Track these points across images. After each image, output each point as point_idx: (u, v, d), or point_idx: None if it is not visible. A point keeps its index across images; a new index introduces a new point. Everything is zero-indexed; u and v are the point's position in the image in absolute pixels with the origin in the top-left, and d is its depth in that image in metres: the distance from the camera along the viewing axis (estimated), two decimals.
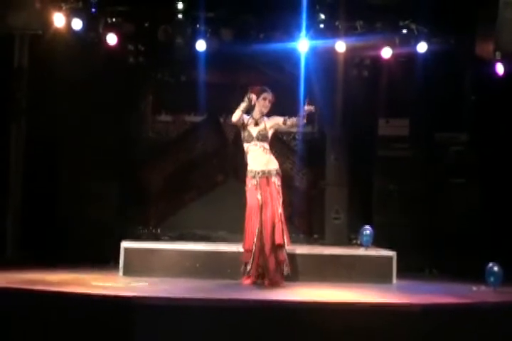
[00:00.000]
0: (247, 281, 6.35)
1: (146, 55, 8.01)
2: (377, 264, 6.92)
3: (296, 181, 8.44)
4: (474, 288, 6.59)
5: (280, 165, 8.22)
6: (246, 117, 6.43)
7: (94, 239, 7.51)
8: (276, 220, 6.31)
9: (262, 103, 6.42)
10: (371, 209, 8.20)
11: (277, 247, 6.30)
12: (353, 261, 6.94)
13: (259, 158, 6.41)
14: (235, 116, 6.35)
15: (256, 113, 6.44)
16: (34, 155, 7.62)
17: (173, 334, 5.14)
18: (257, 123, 6.44)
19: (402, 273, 7.00)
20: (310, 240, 8.13)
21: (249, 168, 6.44)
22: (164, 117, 8.43)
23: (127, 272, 6.67)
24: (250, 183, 6.39)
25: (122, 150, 7.98)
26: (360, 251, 7.23)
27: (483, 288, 6.56)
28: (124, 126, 8.05)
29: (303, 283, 6.56)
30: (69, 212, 7.67)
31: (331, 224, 7.92)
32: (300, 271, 6.78)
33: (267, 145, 6.44)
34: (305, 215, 8.44)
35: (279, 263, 6.35)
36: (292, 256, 6.80)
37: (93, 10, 7.45)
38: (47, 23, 7.22)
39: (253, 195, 6.35)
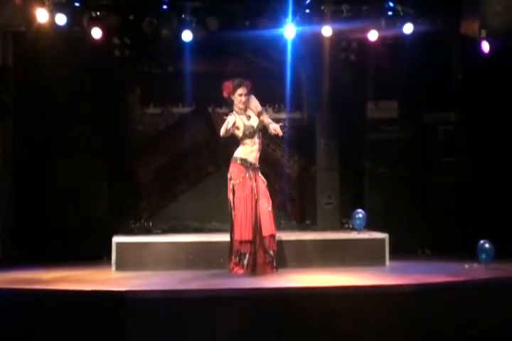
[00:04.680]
0: (239, 271, 6.36)
1: (132, 48, 7.94)
2: (370, 247, 6.98)
3: (287, 168, 8.45)
4: (466, 266, 6.68)
5: (271, 152, 8.42)
6: (233, 118, 6.37)
7: (87, 234, 7.51)
8: (269, 211, 6.37)
9: (238, 99, 6.42)
10: (363, 192, 8.22)
11: (271, 238, 6.34)
12: (346, 245, 7.00)
13: (256, 153, 6.45)
14: (222, 133, 6.32)
15: (236, 109, 6.45)
16: (23, 152, 7.59)
17: (169, 326, 5.19)
18: (249, 117, 6.46)
19: (395, 255, 7.05)
20: (302, 226, 8.14)
21: (241, 155, 6.42)
22: (153, 109, 8.39)
23: (120, 267, 6.70)
24: (242, 172, 6.37)
25: (112, 144, 7.95)
26: (353, 235, 7.28)
27: (475, 265, 6.65)
28: (112, 120, 8.01)
29: (297, 270, 6.61)
30: (60, 209, 7.65)
31: (323, 210, 7.91)
32: (294, 257, 6.83)
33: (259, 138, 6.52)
34: (297, 201, 8.45)
35: (270, 254, 6.37)
36: (286, 243, 6.86)
37: (76, 4, 7.39)
38: (29, 19, 7.15)
39: (247, 185, 6.35)
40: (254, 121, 6.47)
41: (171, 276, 6.28)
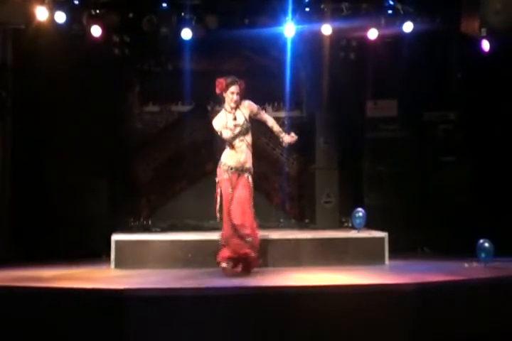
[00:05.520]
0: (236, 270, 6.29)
1: (132, 46, 7.93)
2: (369, 246, 6.97)
3: (287, 166, 8.46)
4: (466, 265, 6.68)
5: (270, 151, 8.41)
6: (222, 117, 6.29)
7: (86, 232, 7.54)
8: (243, 201, 6.22)
9: (230, 97, 6.28)
10: (362, 191, 8.21)
11: (240, 226, 6.18)
12: (345, 243, 6.99)
13: (240, 156, 6.28)
14: (229, 137, 6.21)
15: (227, 106, 6.34)
16: (22, 150, 7.58)
17: (168, 325, 5.18)
18: (235, 118, 6.29)
19: (394, 254, 7.05)
20: (301, 225, 8.16)
21: (223, 160, 6.33)
22: (152, 108, 8.39)
23: (119, 265, 6.70)
24: (222, 176, 6.30)
25: (111, 142, 7.93)
26: (352, 234, 7.28)
27: (474, 264, 6.65)
28: (111, 118, 8.00)
29: (296, 268, 6.60)
30: (59, 207, 7.63)
31: (322, 208, 7.94)
32: (293, 255, 6.83)
33: (249, 139, 6.33)
34: (296, 200, 8.47)
35: (247, 240, 6.18)
36: (285, 241, 6.87)
37: (76, 2, 7.39)
38: (29, 17, 7.16)
39: (226, 188, 6.26)
40: (240, 122, 6.28)
41: (169, 274, 6.27)
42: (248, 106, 6.36)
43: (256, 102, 7.82)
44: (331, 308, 5.33)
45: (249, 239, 6.18)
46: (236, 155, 6.30)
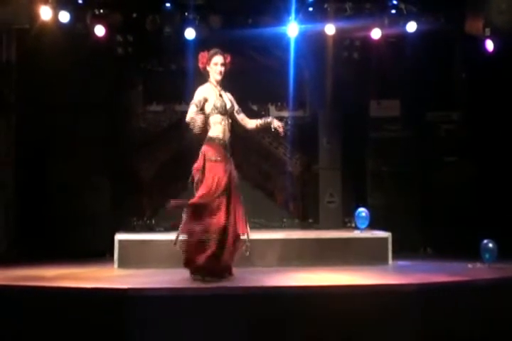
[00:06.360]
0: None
1: (135, 46, 7.98)
2: (373, 246, 6.97)
3: (290, 166, 8.43)
4: (470, 266, 6.67)
5: (273, 150, 8.41)
6: (208, 88, 5.93)
7: (89, 232, 7.55)
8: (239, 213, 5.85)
9: (213, 69, 5.86)
10: (365, 191, 8.22)
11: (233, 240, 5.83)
12: (349, 244, 6.99)
13: (228, 134, 5.88)
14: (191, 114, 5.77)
15: (212, 81, 5.94)
16: (25, 149, 7.61)
17: (171, 324, 5.18)
18: (220, 95, 5.93)
19: (397, 254, 7.05)
20: (305, 225, 8.16)
21: (213, 134, 5.83)
22: (155, 107, 8.39)
23: (122, 264, 6.70)
24: (216, 154, 5.79)
25: (114, 141, 7.97)
26: (355, 234, 7.29)
27: (478, 264, 6.64)
28: (115, 118, 8.03)
29: (299, 268, 6.60)
30: (62, 206, 7.66)
31: (326, 208, 7.94)
32: (296, 255, 6.83)
33: (230, 120, 5.91)
34: (299, 200, 8.45)
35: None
36: (288, 241, 6.89)
37: (80, 1, 7.44)
38: (33, 17, 7.21)
39: (217, 172, 5.76)
40: (226, 101, 5.94)
41: (173, 274, 6.23)
42: (231, 98, 6.01)
43: (259, 102, 7.87)
44: (333, 308, 5.32)
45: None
46: (225, 132, 5.88)
